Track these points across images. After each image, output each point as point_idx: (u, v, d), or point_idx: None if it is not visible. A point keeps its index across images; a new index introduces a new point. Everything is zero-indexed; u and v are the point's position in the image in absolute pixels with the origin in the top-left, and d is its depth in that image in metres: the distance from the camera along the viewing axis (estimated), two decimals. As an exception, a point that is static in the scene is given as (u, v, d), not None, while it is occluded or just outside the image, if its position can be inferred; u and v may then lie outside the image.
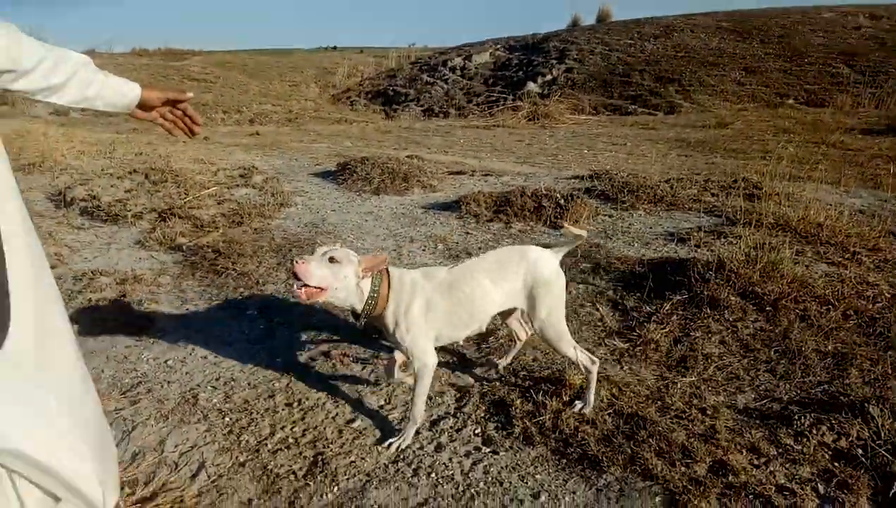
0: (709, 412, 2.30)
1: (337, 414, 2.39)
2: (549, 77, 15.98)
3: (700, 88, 13.68)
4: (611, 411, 2.30)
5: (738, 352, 2.77)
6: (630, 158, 8.00)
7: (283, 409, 2.43)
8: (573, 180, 6.16)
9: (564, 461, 2.08)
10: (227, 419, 2.37)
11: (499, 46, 19.55)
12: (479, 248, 4.16)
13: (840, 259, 3.73)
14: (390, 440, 2.19)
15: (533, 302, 2.23)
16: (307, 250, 3.91)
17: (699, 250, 4.00)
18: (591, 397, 2.30)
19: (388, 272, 2.12)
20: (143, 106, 1.37)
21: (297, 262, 1.87)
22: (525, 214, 4.80)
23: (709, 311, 3.03)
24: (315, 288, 1.90)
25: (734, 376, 2.59)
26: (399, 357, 2.40)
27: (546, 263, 2.25)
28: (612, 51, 16.70)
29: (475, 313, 2.19)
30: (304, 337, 3.03)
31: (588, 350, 2.83)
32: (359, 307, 2.05)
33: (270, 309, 3.34)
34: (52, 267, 3.67)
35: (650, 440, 2.11)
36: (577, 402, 2.33)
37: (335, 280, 1.94)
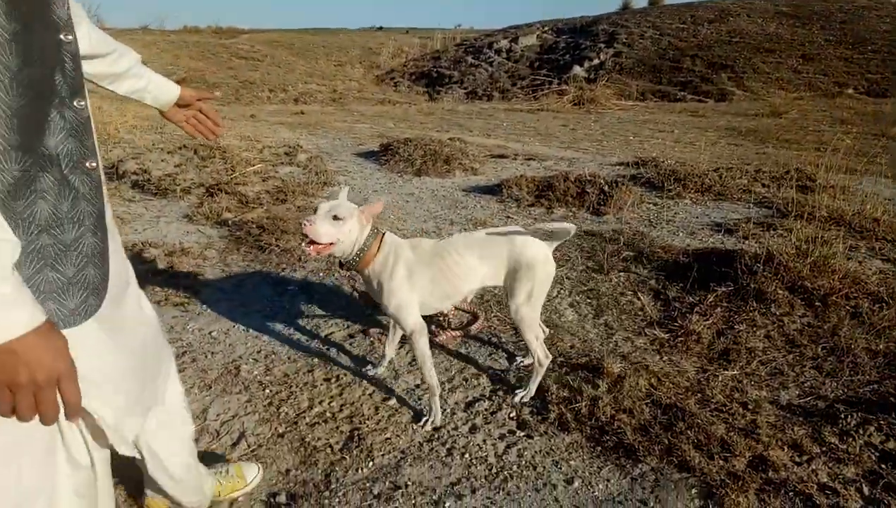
0: (750, 406, 2.25)
1: (373, 391, 2.42)
2: (596, 61, 15.69)
3: (754, 75, 13.24)
4: (648, 401, 2.26)
5: (783, 348, 2.69)
6: (677, 146, 7.81)
7: (321, 384, 2.48)
8: (618, 167, 6.06)
9: (599, 448, 2.07)
10: (267, 391, 2.43)
11: (546, 29, 19.27)
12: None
13: (897, 255, 3.58)
14: (425, 418, 2.22)
15: (513, 285, 2.23)
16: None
17: (747, 242, 3.89)
18: (533, 388, 2.36)
19: (382, 236, 2.17)
20: (179, 102, 1.53)
21: (304, 224, 1.96)
22: (568, 200, 4.74)
23: (755, 304, 2.95)
24: (323, 244, 1.99)
25: (778, 371, 2.52)
26: (390, 350, 2.58)
27: (532, 248, 2.22)
28: (664, 35, 16.28)
29: (457, 285, 2.22)
30: (343, 314, 3.08)
31: (628, 339, 2.81)
32: (349, 256, 2.11)
33: (311, 285, 3.39)
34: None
35: (688, 431, 2.08)
36: (517, 391, 2.38)
37: (340, 235, 2.01)
